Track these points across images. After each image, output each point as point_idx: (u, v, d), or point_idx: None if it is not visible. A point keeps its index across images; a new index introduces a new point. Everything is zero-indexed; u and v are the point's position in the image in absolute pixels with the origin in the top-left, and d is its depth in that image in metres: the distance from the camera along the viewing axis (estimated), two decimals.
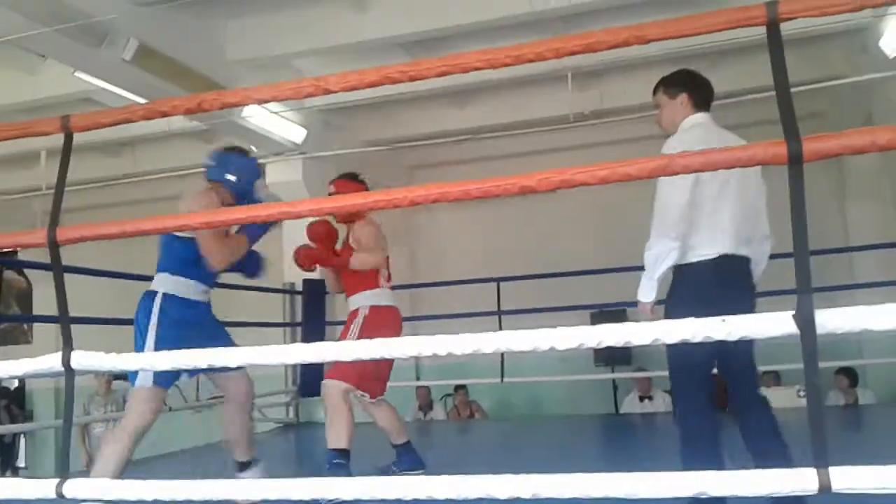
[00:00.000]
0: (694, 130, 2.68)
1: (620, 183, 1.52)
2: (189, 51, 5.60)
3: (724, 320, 1.35)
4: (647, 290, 2.58)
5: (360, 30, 5.82)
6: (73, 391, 1.80)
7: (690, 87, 2.77)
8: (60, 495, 1.69)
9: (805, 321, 1.29)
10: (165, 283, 3.09)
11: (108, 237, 1.83)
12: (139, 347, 2.99)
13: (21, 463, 11.36)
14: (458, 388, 7.92)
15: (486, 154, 8.37)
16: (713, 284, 2.50)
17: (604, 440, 5.63)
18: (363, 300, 3.71)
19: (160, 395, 3.00)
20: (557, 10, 5.53)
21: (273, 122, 6.78)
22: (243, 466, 3.29)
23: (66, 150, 1.87)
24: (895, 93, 6.22)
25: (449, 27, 5.73)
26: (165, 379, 2.98)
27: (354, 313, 3.71)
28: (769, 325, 1.34)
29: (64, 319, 1.82)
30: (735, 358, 2.52)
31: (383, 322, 3.65)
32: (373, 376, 3.68)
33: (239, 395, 3.25)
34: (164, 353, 1.80)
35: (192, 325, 3.07)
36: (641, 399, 6.99)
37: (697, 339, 1.37)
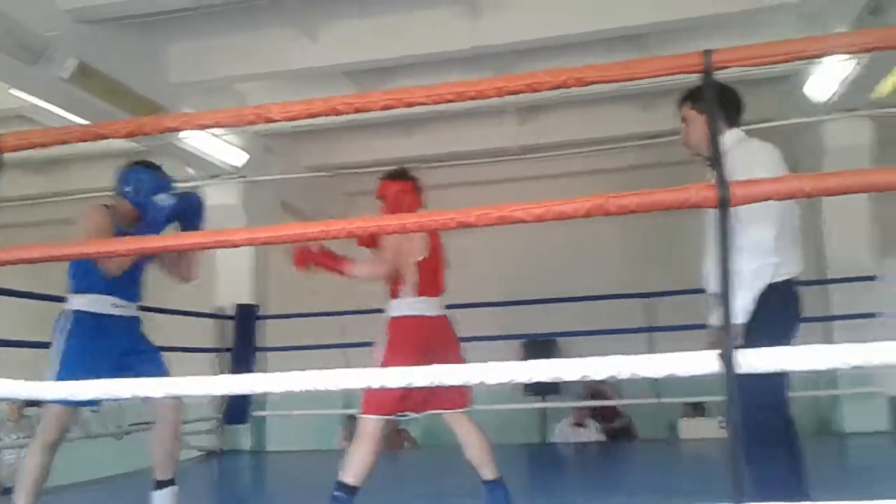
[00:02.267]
0: (746, 145, 2.55)
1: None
2: (131, 71, 5.50)
3: (649, 358, 1.39)
4: (744, 312, 2.33)
5: (306, 57, 5.81)
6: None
7: (722, 101, 2.55)
8: None
9: (726, 360, 1.34)
10: (77, 301, 3.13)
11: (23, 261, 1.78)
12: (52, 367, 3.03)
13: None
14: None
15: (429, 183, 8.40)
16: (794, 304, 2.49)
17: (537, 469, 5.65)
18: (387, 311, 3.43)
19: (69, 412, 3.11)
20: (498, 46, 5.63)
21: (212, 144, 6.70)
22: (160, 485, 3.24)
23: None
24: (818, 137, 6.51)
25: (395, 58, 5.78)
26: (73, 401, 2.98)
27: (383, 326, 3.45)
28: (694, 363, 1.38)
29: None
30: None
31: (403, 332, 3.33)
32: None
33: (167, 413, 3.22)
34: (84, 384, 1.75)
35: (106, 341, 3.10)
36: (577, 426, 7.07)
37: (624, 375, 1.41)
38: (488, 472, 3.34)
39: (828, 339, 6.48)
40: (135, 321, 3.33)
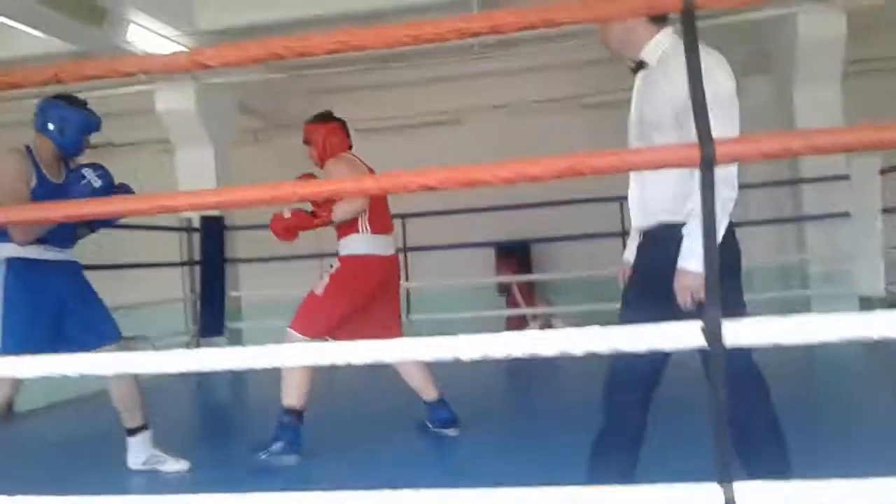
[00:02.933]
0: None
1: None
2: None
3: (628, 331, 1.29)
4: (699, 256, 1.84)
5: None
6: None
7: None
8: None
9: (712, 334, 1.25)
10: (8, 249, 2.88)
11: None
12: None
13: None
14: None
15: (389, 81, 8.12)
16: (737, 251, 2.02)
17: (511, 378, 5.71)
18: (341, 249, 3.41)
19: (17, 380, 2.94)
20: None
21: (161, 45, 6.31)
22: (131, 433, 3.18)
23: None
24: (790, 30, 6.28)
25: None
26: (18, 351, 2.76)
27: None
28: (676, 336, 1.29)
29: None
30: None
31: (355, 273, 3.33)
32: (345, 322, 3.27)
33: None
34: (33, 360, 1.61)
35: (47, 288, 2.92)
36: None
37: (601, 349, 1.32)
38: (430, 394, 3.47)
39: (801, 239, 6.49)
40: (74, 265, 3.12)
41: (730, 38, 5.48)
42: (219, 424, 4.81)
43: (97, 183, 2.87)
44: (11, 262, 2.86)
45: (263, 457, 3.07)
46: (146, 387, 3.27)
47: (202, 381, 5.91)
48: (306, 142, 3.54)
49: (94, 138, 3.07)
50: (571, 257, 7.59)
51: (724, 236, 1.90)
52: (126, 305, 6.64)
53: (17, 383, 2.96)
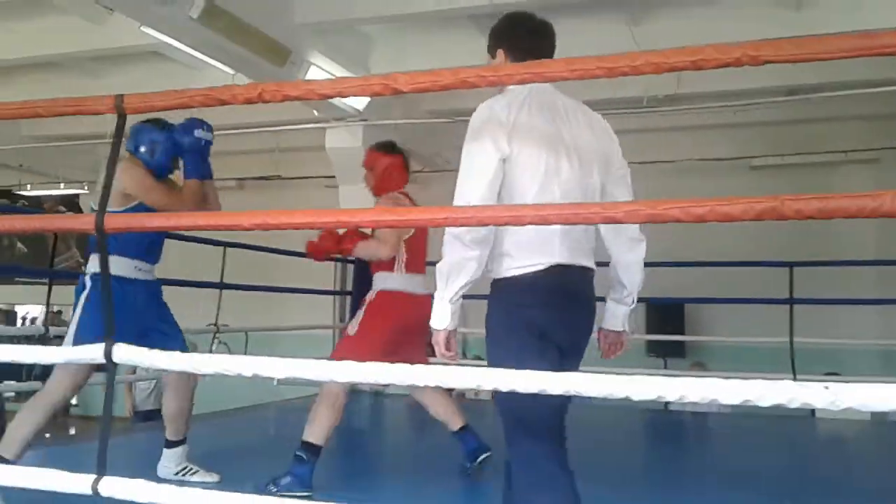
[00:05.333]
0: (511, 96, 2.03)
1: None
2: (256, 11, 5.48)
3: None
4: (440, 315, 2.00)
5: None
6: (113, 385, 1.73)
7: (508, 37, 2.13)
8: (96, 493, 1.64)
9: None
10: (96, 264, 2.88)
11: (152, 229, 1.76)
12: (70, 332, 2.91)
13: (73, 400, 11.75)
14: None
15: None
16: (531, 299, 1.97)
17: (653, 435, 5.48)
18: (374, 284, 3.49)
19: (85, 376, 2.96)
20: None
21: None
22: (171, 444, 3.23)
23: (119, 131, 1.79)
24: None
25: (518, 2, 5.49)
26: None
27: (363, 302, 3.50)
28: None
29: (106, 310, 1.75)
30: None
31: (389, 306, 3.37)
32: (390, 353, 3.21)
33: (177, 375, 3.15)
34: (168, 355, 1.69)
35: (125, 313, 2.75)
36: None
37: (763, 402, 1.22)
38: (456, 424, 3.49)
39: None
40: (156, 286, 3.17)
41: None
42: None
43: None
44: (96, 280, 2.88)
45: (273, 489, 3.03)
46: None
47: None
48: (367, 167, 3.64)
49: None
50: (730, 323, 7.22)
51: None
52: (276, 328, 6.98)
53: (77, 385, 2.98)
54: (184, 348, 3.13)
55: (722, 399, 1.27)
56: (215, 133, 3.24)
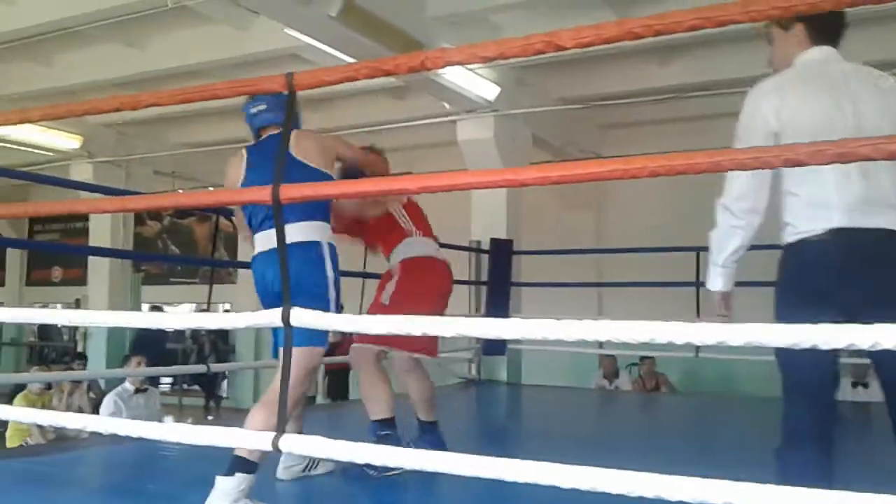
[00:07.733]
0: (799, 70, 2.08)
1: None
2: (391, 7, 5.62)
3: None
4: (714, 278, 2.14)
5: None
6: (290, 352, 1.82)
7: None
8: (276, 448, 1.73)
9: None
10: (324, 231, 2.71)
11: (327, 196, 1.83)
12: (321, 304, 2.47)
13: (223, 393, 12.45)
14: (643, 357, 7.68)
15: (686, 114, 7.90)
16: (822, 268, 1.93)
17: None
18: (395, 258, 3.33)
19: (321, 354, 2.71)
20: None
21: (466, 78, 6.72)
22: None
23: (290, 106, 1.88)
24: None
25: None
26: (321, 338, 2.60)
27: (388, 274, 3.34)
28: None
29: (284, 279, 1.85)
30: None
31: (421, 271, 3.25)
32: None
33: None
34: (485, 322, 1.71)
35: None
36: (855, 385, 6.42)
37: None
38: (428, 416, 3.31)
39: None
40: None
41: None
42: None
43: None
44: (331, 247, 2.72)
45: (373, 473, 2.98)
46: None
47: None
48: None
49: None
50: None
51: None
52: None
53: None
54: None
55: None
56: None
